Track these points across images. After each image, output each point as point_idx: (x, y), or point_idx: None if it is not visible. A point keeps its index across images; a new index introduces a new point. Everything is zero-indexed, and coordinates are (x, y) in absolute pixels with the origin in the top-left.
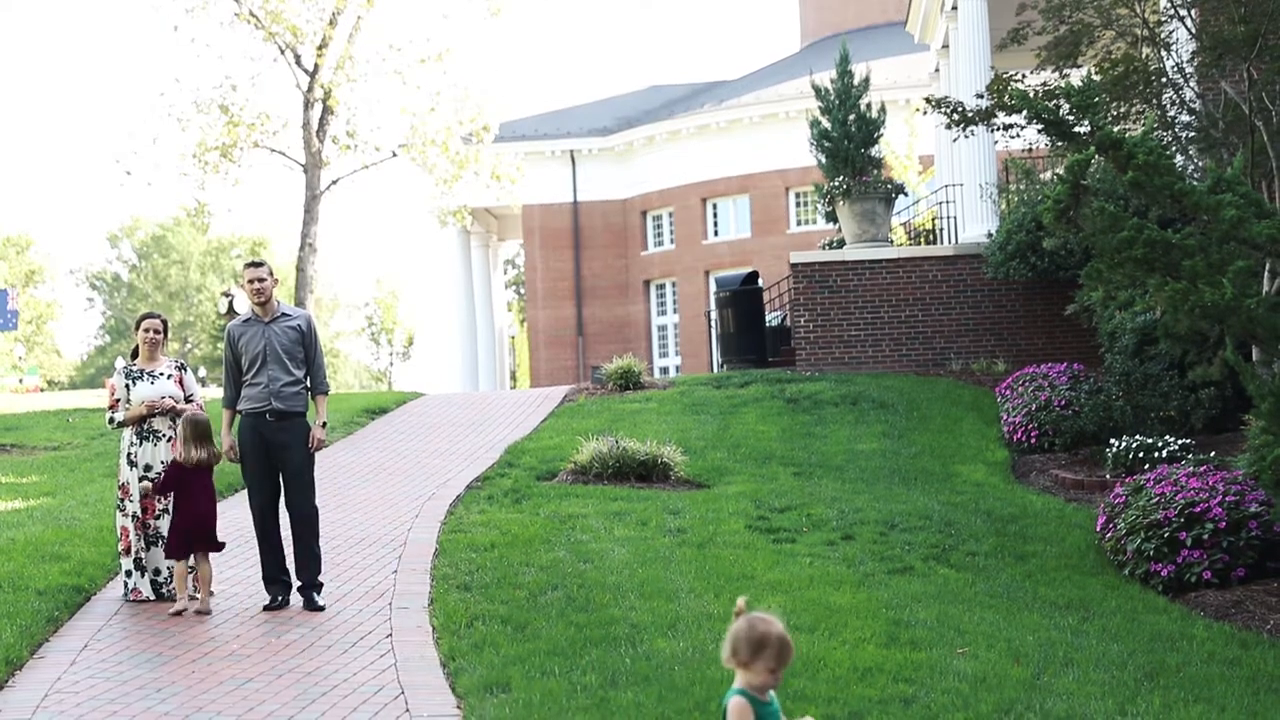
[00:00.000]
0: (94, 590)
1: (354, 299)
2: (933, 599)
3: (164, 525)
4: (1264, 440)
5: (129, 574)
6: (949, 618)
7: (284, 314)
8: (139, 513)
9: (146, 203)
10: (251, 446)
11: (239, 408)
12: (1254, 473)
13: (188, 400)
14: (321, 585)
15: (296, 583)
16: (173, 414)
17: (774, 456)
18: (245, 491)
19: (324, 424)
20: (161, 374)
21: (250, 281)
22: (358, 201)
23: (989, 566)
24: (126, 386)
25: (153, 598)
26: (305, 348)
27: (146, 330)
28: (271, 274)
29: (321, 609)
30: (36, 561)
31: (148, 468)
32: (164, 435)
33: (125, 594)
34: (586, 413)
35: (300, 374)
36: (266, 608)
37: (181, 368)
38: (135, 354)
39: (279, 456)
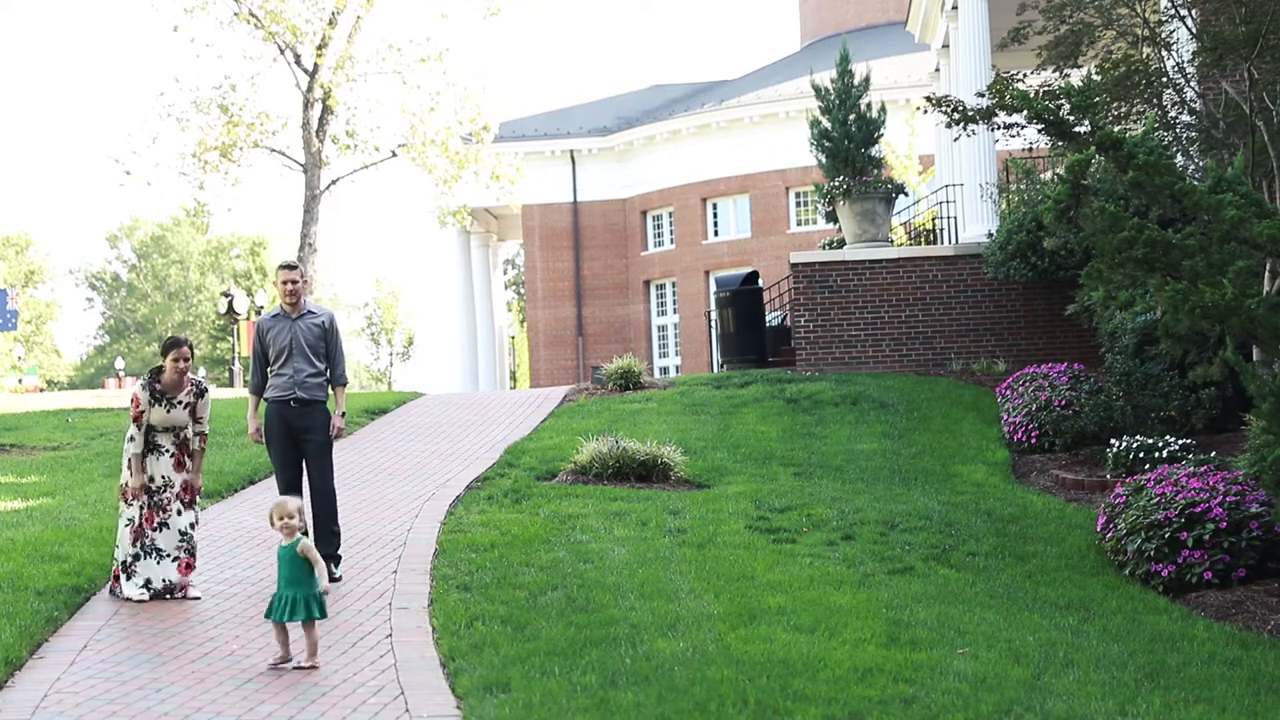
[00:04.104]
0: (94, 590)
1: (354, 299)
2: (933, 599)
3: (160, 538)
4: (1264, 440)
5: (122, 574)
6: (949, 618)
7: (310, 312)
8: (135, 519)
9: (146, 203)
10: (277, 430)
11: (266, 395)
12: (1255, 473)
13: (196, 421)
14: (339, 558)
15: None
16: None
17: (774, 457)
18: (244, 492)
19: (343, 413)
20: (180, 402)
21: (284, 282)
22: (358, 201)
23: (989, 567)
24: (149, 403)
25: (143, 599)
26: (327, 343)
27: (176, 360)
28: (303, 276)
29: (338, 579)
30: (36, 562)
31: (151, 479)
32: (167, 450)
33: (112, 592)
34: (586, 413)
35: (322, 366)
36: None
37: (200, 393)
38: (156, 372)
39: (301, 439)
